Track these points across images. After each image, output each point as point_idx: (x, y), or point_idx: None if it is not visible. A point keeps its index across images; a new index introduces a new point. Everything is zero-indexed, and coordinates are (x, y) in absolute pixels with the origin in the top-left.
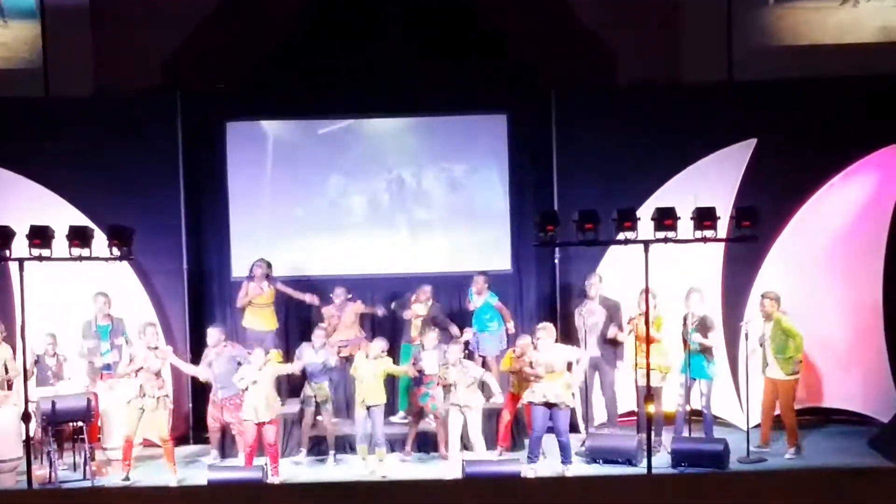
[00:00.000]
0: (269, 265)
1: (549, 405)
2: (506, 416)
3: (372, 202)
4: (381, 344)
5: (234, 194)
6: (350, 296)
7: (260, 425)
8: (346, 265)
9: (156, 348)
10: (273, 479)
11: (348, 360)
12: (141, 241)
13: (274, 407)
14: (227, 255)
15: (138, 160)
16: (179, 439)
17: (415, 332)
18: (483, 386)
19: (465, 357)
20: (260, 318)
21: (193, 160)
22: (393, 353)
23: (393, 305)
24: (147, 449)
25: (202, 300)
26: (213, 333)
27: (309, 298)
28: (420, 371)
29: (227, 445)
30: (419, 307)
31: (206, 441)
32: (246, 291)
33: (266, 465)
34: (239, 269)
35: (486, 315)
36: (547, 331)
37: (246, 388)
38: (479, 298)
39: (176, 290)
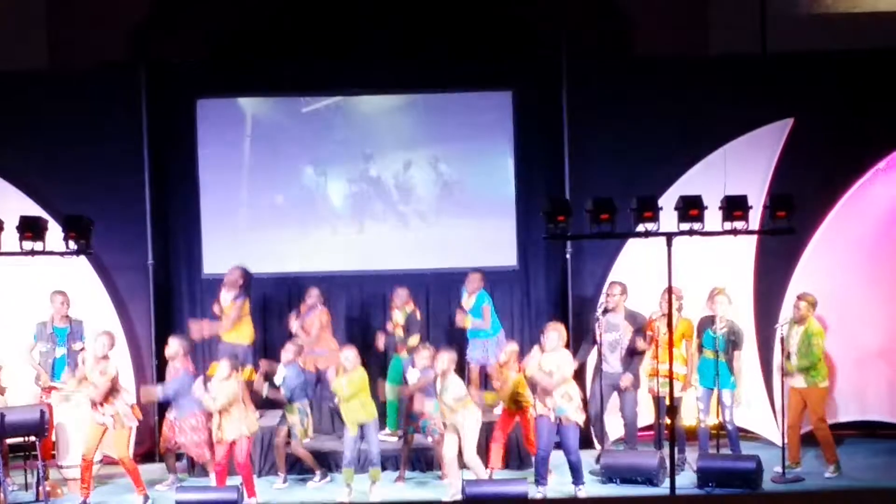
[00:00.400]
0: (244, 275)
1: (556, 419)
2: (498, 437)
3: (360, 190)
4: (350, 353)
5: (205, 181)
6: (323, 301)
7: (230, 444)
8: (332, 260)
9: (104, 357)
10: (250, 502)
11: (321, 371)
12: (101, 233)
13: (242, 425)
14: (198, 249)
15: (98, 142)
16: (144, 456)
17: (400, 342)
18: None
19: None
20: (234, 330)
21: (160, 142)
22: (384, 366)
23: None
24: (108, 467)
25: (170, 299)
26: (172, 344)
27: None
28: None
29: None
30: (397, 314)
31: (175, 458)
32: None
33: (241, 486)
34: (211, 264)
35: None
36: (557, 331)
37: (220, 411)
38: (471, 299)
39: (140, 287)
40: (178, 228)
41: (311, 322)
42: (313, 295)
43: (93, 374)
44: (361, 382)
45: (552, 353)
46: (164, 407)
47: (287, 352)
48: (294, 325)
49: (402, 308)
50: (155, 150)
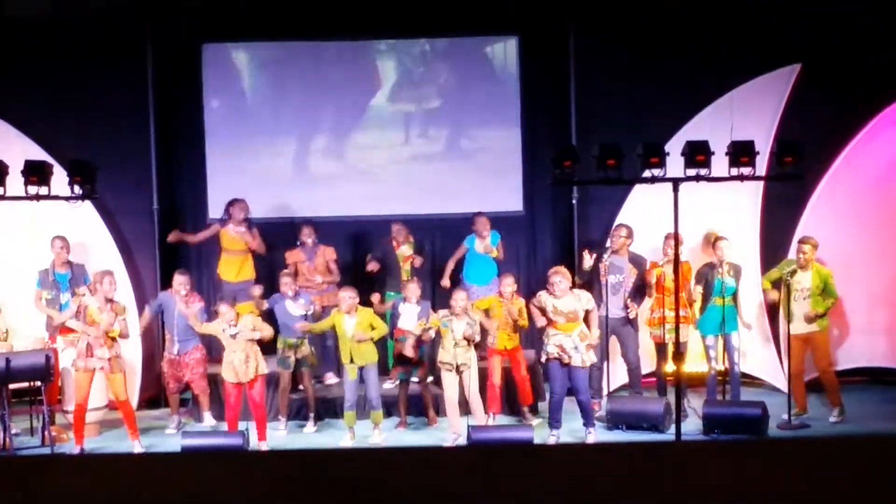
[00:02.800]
0: (247, 206)
1: (564, 364)
2: (496, 380)
3: (365, 136)
4: (348, 293)
5: (210, 125)
6: (317, 237)
7: (241, 385)
8: (337, 205)
9: (111, 301)
10: (261, 446)
11: (324, 310)
12: (106, 177)
13: (258, 363)
14: (203, 194)
15: (103, 87)
16: (150, 402)
17: (406, 277)
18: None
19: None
20: (233, 268)
21: (165, 87)
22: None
23: (369, 261)
24: (114, 412)
25: (175, 245)
26: (178, 279)
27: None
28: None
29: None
30: (406, 248)
31: (180, 404)
32: (214, 233)
33: (247, 430)
34: (216, 209)
35: (484, 264)
36: (562, 275)
37: (229, 336)
38: (482, 244)
39: (145, 232)
40: (183, 173)
41: (322, 258)
42: (307, 232)
43: (101, 315)
44: (375, 320)
45: (564, 297)
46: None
47: (287, 284)
48: (290, 256)
49: (406, 242)
50: (160, 95)
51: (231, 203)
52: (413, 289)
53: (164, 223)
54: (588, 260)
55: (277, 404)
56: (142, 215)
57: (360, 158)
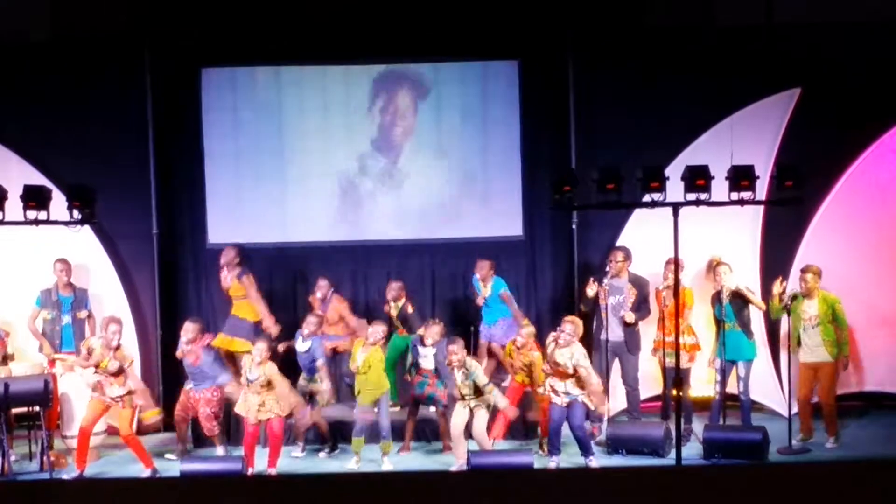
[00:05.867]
0: (240, 253)
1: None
2: (510, 412)
3: (365, 159)
4: (380, 328)
5: (210, 149)
6: (333, 288)
7: (256, 424)
8: (336, 230)
9: (117, 348)
10: (269, 471)
11: (335, 355)
12: (105, 202)
13: (273, 406)
14: (203, 218)
15: (102, 112)
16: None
17: (398, 326)
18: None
19: (469, 346)
20: (238, 309)
21: (164, 111)
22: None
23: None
24: (115, 437)
25: (174, 269)
26: (189, 329)
27: (265, 324)
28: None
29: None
30: (393, 308)
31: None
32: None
33: (243, 458)
34: (216, 233)
35: (491, 302)
36: (574, 325)
37: (248, 382)
38: (486, 288)
39: (144, 257)
40: (182, 198)
41: (335, 313)
42: (323, 286)
43: (106, 362)
44: (379, 357)
45: (565, 348)
46: (169, 379)
47: (309, 324)
48: (313, 301)
49: (395, 301)
50: (159, 120)
51: (224, 252)
52: (434, 332)
53: (164, 247)
54: (592, 288)
55: (293, 431)
56: (141, 239)
57: (361, 183)
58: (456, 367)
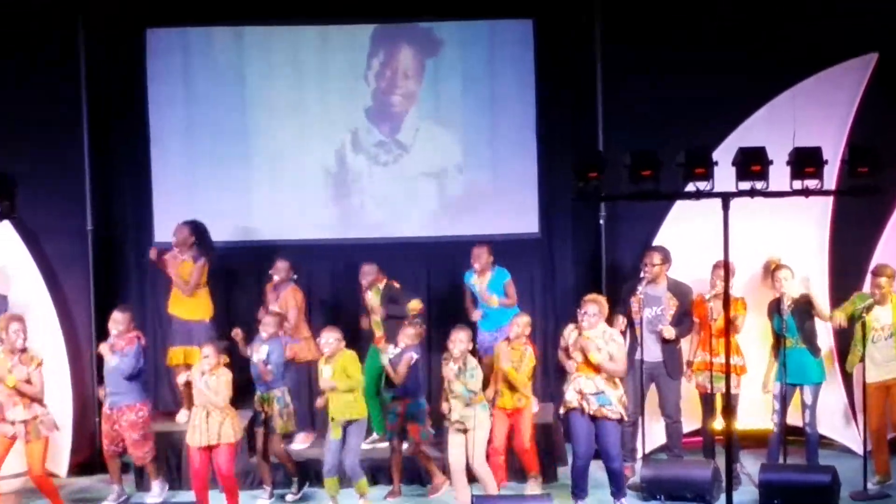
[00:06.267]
0: (196, 228)
1: (592, 416)
2: (497, 444)
3: (349, 142)
4: (333, 334)
5: (157, 128)
6: (295, 276)
7: (206, 450)
8: (313, 226)
9: (23, 351)
10: None
11: (292, 361)
12: (29, 193)
13: (227, 428)
14: (148, 211)
15: (25, 84)
16: (83, 467)
17: (378, 332)
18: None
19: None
20: (185, 303)
21: (101, 82)
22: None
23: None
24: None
25: (114, 272)
26: (120, 319)
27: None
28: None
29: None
30: (371, 296)
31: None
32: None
33: None
34: (165, 229)
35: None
36: (598, 305)
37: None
38: (482, 280)
39: (77, 257)
40: (124, 187)
41: (285, 303)
42: (281, 269)
43: (7, 373)
44: (351, 366)
45: (592, 332)
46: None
47: (267, 325)
48: (273, 306)
49: (372, 286)
50: (95, 93)
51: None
52: (409, 335)
53: (100, 246)
54: (620, 324)
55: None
56: (73, 237)
57: (344, 168)
58: (453, 358)
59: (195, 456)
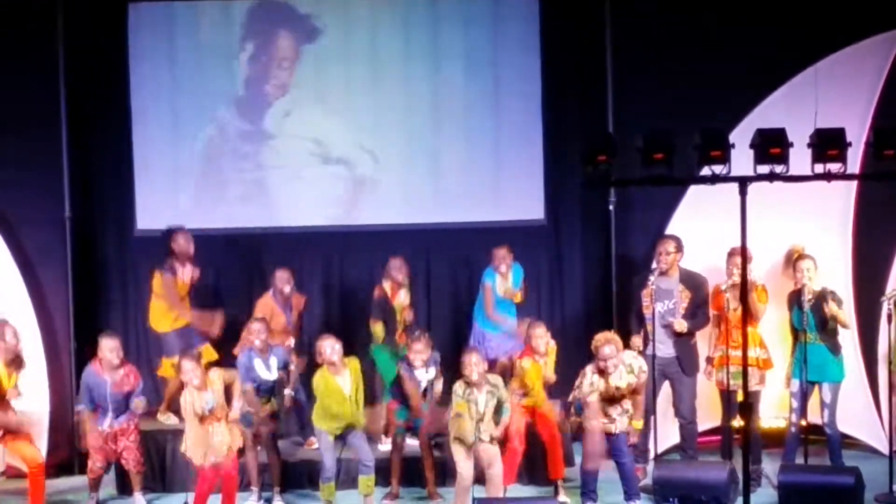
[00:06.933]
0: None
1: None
2: (517, 444)
3: (343, 123)
4: (331, 343)
5: (140, 110)
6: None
7: (218, 467)
8: (304, 213)
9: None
10: None
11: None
12: (2, 178)
13: (231, 438)
14: (130, 198)
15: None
16: (60, 467)
17: (399, 330)
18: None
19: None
20: (160, 313)
21: (80, 61)
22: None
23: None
24: (14, 481)
25: (94, 263)
26: (106, 344)
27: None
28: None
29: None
30: (404, 295)
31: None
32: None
33: None
34: (147, 217)
35: (500, 305)
36: (614, 344)
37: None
38: (503, 284)
39: (54, 246)
40: (104, 173)
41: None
42: (283, 278)
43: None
44: (358, 379)
45: (616, 372)
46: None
47: (259, 333)
48: (280, 321)
49: (404, 283)
50: (73, 72)
51: (172, 233)
52: (420, 350)
53: (79, 235)
54: (638, 344)
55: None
56: (50, 225)
57: (340, 151)
58: (477, 382)
59: (209, 474)
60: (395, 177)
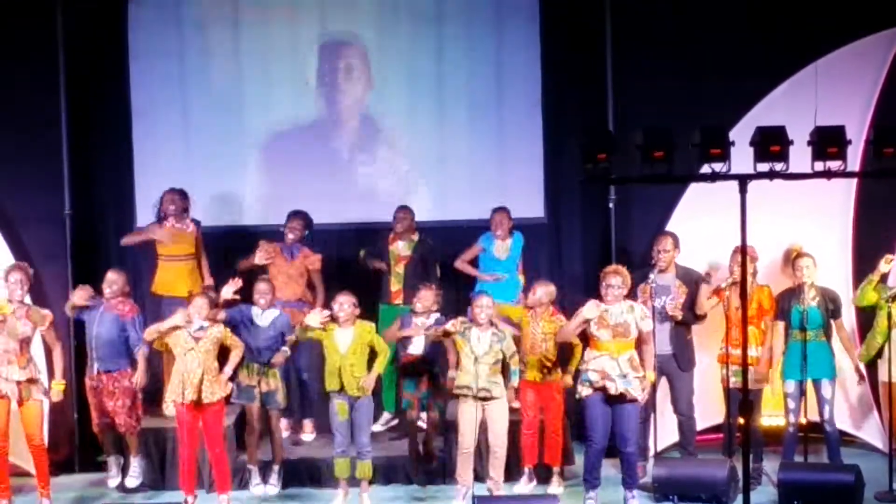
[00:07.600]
0: (184, 196)
1: (610, 398)
2: (533, 424)
3: (344, 120)
4: (348, 299)
5: (139, 105)
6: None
7: (196, 410)
8: (308, 209)
9: (21, 303)
10: (220, 502)
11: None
12: (2, 174)
13: (217, 385)
14: (129, 194)
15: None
16: (60, 466)
17: (397, 285)
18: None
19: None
20: (174, 277)
21: (80, 56)
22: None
23: (362, 254)
24: (16, 479)
25: (92, 258)
26: (115, 280)
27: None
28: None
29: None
30: (402, 246)
31: (99, 468)
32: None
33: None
34: (146, 213)
35: (504, 272)
36: (622, 276)
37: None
38: (504, 246)
39: (54, 244)
40: (104, 168)
41: (298, 267)
42: (296, 228)
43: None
44: (364, 341)
45: (616, 305)
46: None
47: (264, 293)
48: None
49: (406, 237)
50: (73, 67)
51: (162, 196)
52: (425, 297)
53: (79, 231)
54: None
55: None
56: (50, 222)
57: (341, 147)
58: (483, 323)
59: (185, 417)
60: (395, 175)
